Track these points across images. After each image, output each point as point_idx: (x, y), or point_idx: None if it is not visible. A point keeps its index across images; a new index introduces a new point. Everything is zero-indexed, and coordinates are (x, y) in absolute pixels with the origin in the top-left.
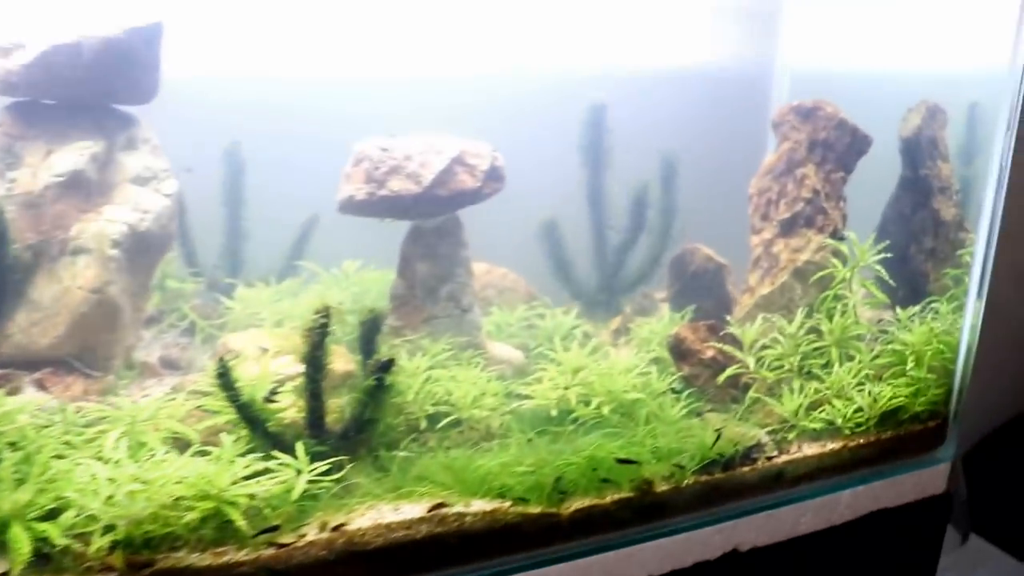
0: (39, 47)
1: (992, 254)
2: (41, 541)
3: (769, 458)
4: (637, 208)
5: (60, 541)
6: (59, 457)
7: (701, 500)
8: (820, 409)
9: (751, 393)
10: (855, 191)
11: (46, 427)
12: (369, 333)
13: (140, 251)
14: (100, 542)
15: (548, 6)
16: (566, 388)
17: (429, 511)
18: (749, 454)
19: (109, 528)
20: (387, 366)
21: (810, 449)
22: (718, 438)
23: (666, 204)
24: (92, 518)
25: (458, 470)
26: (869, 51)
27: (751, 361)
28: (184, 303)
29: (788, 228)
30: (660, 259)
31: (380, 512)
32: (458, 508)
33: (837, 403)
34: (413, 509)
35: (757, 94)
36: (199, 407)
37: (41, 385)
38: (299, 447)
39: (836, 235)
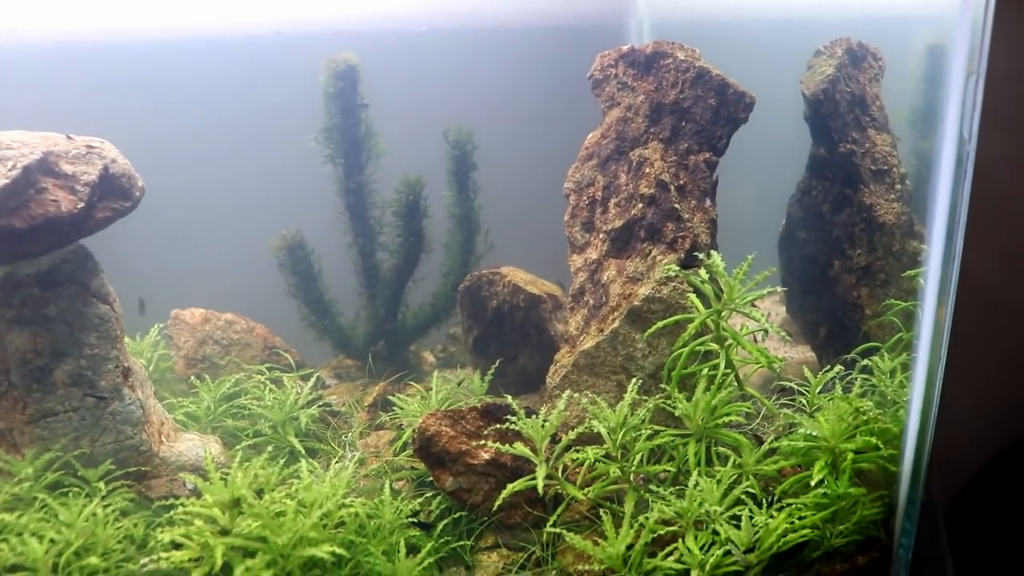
0: None
1: (954, 272)
2: None
3: None
4: (411, 216)
5: None
6: None
7: None
8: (668, 550)
9: (548, 527)
10: (738, 180)
11: None
12: None
13: None
14: None
15: None
16: (214, 540)
17: None
18: None
19: None
20: None
21: None
22: None
23: (460, 208)
24: None
25: None
26: None
27: (543, 469)
28: None
29: (622, 243)
30: (458, 288)
31: None
32: None
33: (693, 540)
34: None
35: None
36: None
37: None
38: None
39: (694, 254)
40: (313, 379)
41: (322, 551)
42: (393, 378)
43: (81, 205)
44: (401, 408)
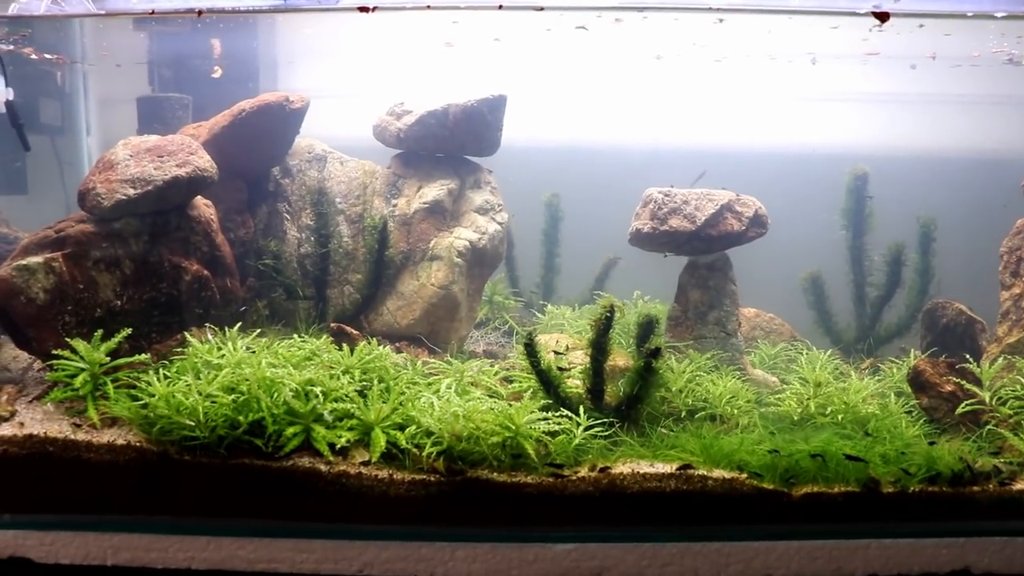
0: (419, 112)
1: None
2: (391, 445)
3: (1003, 483)
4: (894, 266)
5: (405, 445)
6: (408, 390)
7: (927, 510)
8: None
9: (989, 426)
10: None
11: (402, 370)
12: (645, 331)
13: (477, 262)
14: (430, 450)
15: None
16: (808, 399)
17: (678, 469)
18: (983, 476)
19: (437, 441)
20: (656, 352)
21: None
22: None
23: (923, 264)
24: (426, 432)
25: (706, 443)
26: None
27: (987, 397)
28: (506, 313)
29: None
30: (916, 314)
31: (639, 465)
32: (702, 471)
33: None
34: (665, 467)
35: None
36: (507, 379)
37: (399, 351)
38: (581, 409)
39: None
40: (828, 352)
41: (867, 412)
42: (871, 358)
43: (742, 228)
44: (887, 369)
